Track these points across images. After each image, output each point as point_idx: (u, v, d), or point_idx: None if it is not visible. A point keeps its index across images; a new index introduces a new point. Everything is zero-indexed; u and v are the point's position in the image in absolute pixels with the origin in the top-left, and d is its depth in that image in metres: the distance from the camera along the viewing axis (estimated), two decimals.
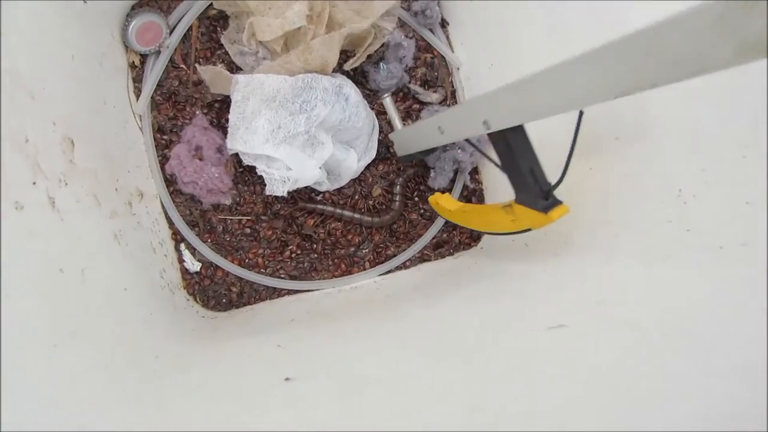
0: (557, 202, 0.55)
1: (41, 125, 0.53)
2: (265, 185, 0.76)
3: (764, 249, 0.39)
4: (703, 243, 0.44)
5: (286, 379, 0.44)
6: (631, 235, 0.53)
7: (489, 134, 0.56)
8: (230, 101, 0.75)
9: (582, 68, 0.39)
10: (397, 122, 0.83)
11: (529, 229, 0.60)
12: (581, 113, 0.52)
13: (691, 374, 0.38)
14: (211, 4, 0.80)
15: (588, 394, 0.36)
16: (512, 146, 0.55)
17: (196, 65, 0.79)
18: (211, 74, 0.74)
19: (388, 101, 0.83)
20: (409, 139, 0.78)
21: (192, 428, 0.37)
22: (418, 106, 0.88)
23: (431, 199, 0.82)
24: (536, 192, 0.55)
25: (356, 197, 0.87)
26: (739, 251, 0.41)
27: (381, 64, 0.85)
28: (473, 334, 0.48)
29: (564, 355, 0.40)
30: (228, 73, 0.73)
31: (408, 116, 0.88)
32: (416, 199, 0.89)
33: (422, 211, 0.89)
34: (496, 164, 0.59)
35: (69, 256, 0.50)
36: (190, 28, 0.81)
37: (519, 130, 0.54)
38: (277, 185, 0.73)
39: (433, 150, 0.80)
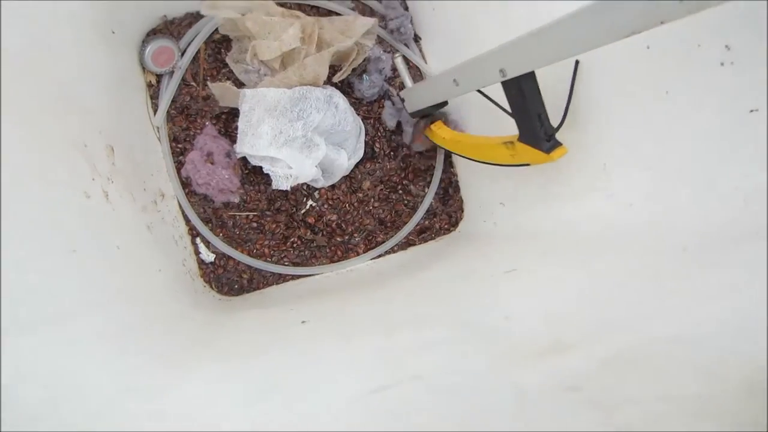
0: (558, 144, 0.62)
1: (92, 134, 0.65)
2: (269, 184, 0.89)
3: (658, 203, 0.53)
4: (619, 202, 0.58)
5: (303, 321, 0.56)
6: (571, 202, 0.66)
7: (503, 83, 0.62)
8: (235, 113, 0.88)
9: (589, 17, 0.45)
10: (408, 81, 0.89)
11: (527, 164, 0.67)
12: (577, 63, 0.60)
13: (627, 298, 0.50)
14: (216, 30, 0.93)
15: (535, 315, 0.49)
16: (524, 92, 0.60)
17: (207, 83, 0.91)
18: (220, 90, 0.87)
19: (399, 61, 0.90)
20: (422, 94, 0.83)
21: (238, 355, 0.49)
22: None
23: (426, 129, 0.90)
24: (541, 135, 0.62)
25: (348, 192, 1.00)
26: (643, 204, 0.54)
27: (364, 75, 0.98)
28: (447, 284, 0.61)
29: (517, 288, 0.53)
30: (235, 88, 0.86)
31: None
32: (401, 192, 1.02)
33: (406, 201, 1.02)
34: (504, 110, 0.66)
35: (121, 237, 0.62)
36: (198, 51, 0.94)
37: (531, 78, 0.60)
38: (282, 181, 0.85)
39: (443, 104, 0.84)
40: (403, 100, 0.90)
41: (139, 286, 0.60)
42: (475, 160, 0.81)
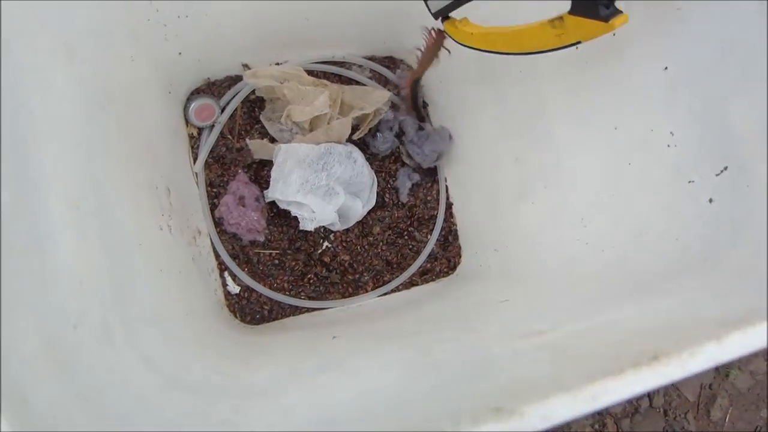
0: (618, 11, 0.55)
1: (159, 177, 0.78)
2: (291, 226, 1.02)
3: (622, 249, 0.66)
4: (593, 249, 0.71)
5: (333, 337, 0.67)
6: (554, 250, 0.80)
7: None
8: (264, 163, 1.02)
9: None
10: None
11: (578, 42, 0.59)
12: None
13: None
14: (253, 91, 1.08)
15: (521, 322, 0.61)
16: None
17: (246, 139, 1.05)
18: (257, 146, 1.01)
19: None
20: None
21: (288, 356, 0.61)
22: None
23: (446, 24, 0.75)
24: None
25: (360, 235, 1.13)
26: (610, 251, 0.68)
27: (378, 134, 1.13)
28: (451, 309, 0.73)
29: (507, 315, 0.66)
30: (270, 144, 1.00)
31: (394, 176, 1.16)
32: (406, 237, 1.15)
33: (411, 246, 1.15)
34: None
35: (181, 265, 0.74)
36: (235, 109, 1.08)
37: None
38: (307, 223, 0.99)
39: None
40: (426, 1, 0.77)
41: (194, 304, 0.72)
42: (512, 53, 0.69)
